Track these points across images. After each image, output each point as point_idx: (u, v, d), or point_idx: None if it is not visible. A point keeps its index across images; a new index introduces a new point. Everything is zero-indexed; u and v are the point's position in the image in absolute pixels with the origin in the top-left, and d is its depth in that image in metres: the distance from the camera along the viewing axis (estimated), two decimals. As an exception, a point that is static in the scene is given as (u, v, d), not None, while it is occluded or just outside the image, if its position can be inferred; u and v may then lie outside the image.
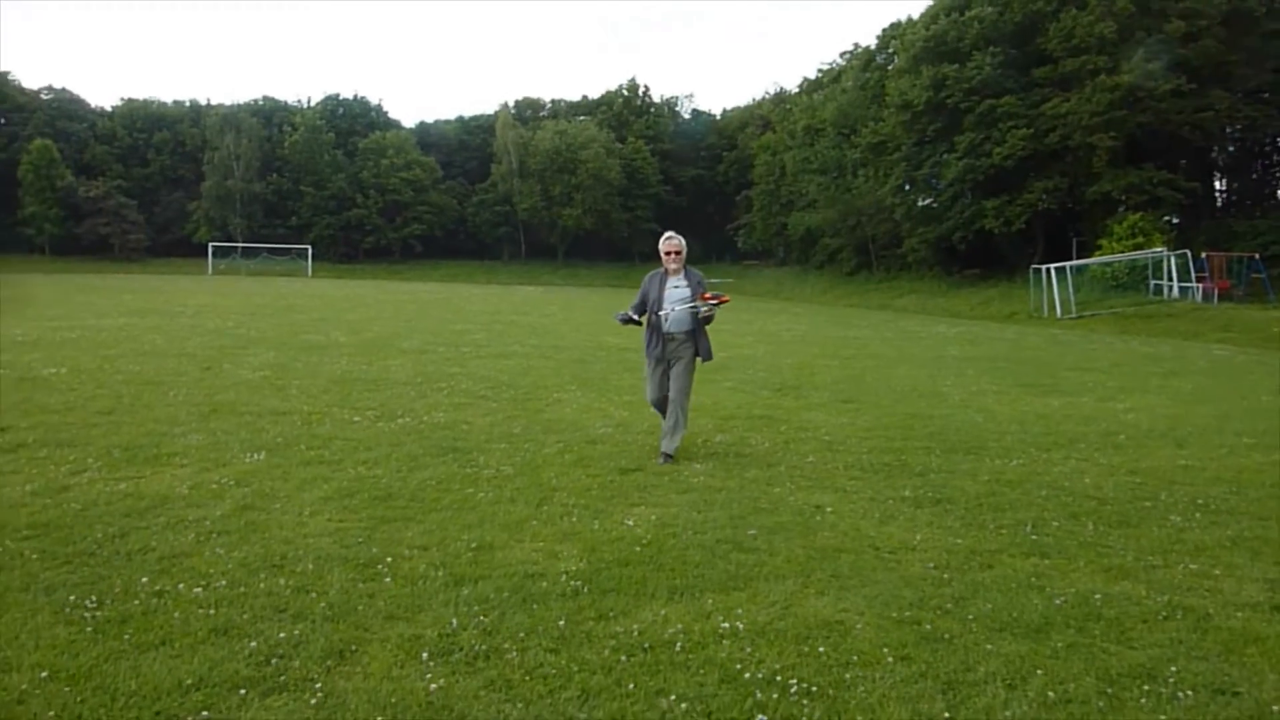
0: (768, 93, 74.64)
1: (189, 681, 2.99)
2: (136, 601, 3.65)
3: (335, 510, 5.05)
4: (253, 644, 3.28)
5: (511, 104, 77.56)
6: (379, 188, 68.51)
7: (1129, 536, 4.98)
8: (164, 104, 73.61)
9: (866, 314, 33.75)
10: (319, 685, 3.01)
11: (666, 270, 6.75)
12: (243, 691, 2.94)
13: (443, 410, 8.54)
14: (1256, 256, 30.47)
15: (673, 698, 2.98)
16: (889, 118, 42.72)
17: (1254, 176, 43.35)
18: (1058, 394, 11.20)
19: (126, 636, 3.32)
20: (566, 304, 32.51)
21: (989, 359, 15.96)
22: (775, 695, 3.01)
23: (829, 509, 5.37)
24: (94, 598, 3.66)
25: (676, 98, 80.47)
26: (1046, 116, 35.25)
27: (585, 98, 78.66)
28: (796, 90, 65.47)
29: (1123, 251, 31.56)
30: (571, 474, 6.11)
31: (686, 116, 79.83)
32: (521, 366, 12.34)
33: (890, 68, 45.54)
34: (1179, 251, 30.15)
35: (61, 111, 69.02)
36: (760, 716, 2.88)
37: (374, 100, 77.09)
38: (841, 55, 59.89)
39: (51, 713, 2.78)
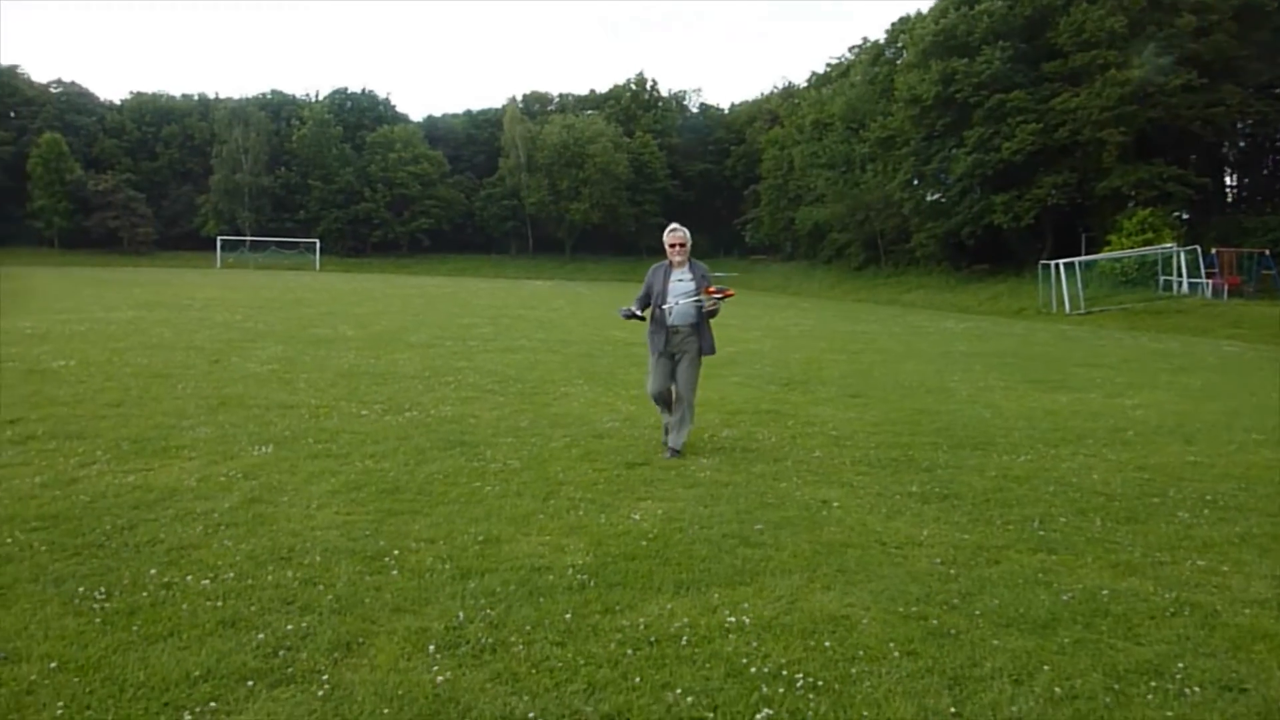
0: (776, 87, 74.43)
1: (197, 673, 3.00)
2: (145, 593, 3.67)
3: (343, 503, 5.07)
4: (260, 636, 3.29)
5: (519, 98, 77.61)
6: (387, 181, 68.61)
7: (1137, 533, 4.96)
8: (173, 98, 73.96)
9: (874, 309, 33.65)
10: (326, 677, 3.02)
11: (671, 263, 6.69)
12: (250, 683, 2.95)
13: (450, 404, 8.56)
14: (1267, 253, 30.30)
15: (679, 691, 2.98)
16: (898, 112, 42.59)
17: (1265, 172, 43.02)
18: (1066, 390, 11.16)
19: (135, 628, 3.34)
20: (574, 298, 32.49)
21: (997, 354, 15.91)
22: (781, 689, 3.01)
23: (835, 504, 5.37)
24: (103, 589, 3.68)
25: (684, 92, 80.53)
26: (1056, 111, 35.08)
27: (593, 92, 78.65)
28: (805, 85, 65.27)
29: (1132, 247, 31.38)
30: (578, 468, 6.11)
31: (694, 111, 79.68)
32: (529, 360, 12.36)
33: (899, 62, 45.36)
34: (1189, 247, 29.94)
35: (71, 105, 69.38)
36: (766, 711, 2.87)
37: (382, 94, 77.27)
38: (850, 49, 59.85)
39: (60, 703, 2.79)
